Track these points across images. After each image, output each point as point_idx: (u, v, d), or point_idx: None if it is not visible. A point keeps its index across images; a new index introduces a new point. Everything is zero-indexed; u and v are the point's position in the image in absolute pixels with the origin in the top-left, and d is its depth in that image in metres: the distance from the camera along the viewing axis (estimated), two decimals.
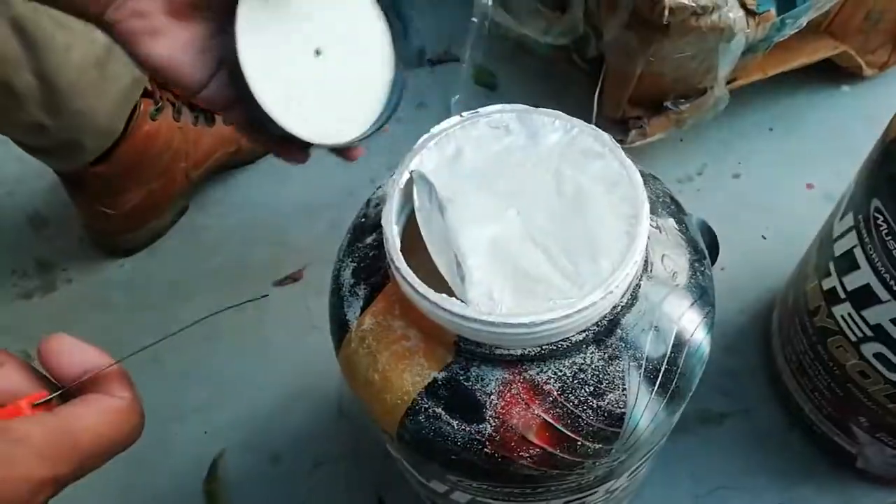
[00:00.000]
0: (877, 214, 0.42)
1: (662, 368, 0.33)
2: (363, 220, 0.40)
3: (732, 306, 0.66)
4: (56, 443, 0.23)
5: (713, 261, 0.40)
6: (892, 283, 0.42)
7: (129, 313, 0.74)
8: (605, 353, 0.32)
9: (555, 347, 0.31)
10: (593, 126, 0.35)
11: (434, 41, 0.91)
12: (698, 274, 0.36)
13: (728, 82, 0.68)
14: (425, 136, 0.35)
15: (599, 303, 0.30)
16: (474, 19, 0.60)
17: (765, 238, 0.71)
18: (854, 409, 0.51)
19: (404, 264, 0.31)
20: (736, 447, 0.60)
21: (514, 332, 0.30)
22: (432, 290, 0.30)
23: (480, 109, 0.36)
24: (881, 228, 0.42)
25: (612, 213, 0.32)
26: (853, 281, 0.46)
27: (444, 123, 0.36)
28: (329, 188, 0.77)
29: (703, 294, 0.35)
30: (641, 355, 0.33)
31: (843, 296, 0.47)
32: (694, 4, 0.57)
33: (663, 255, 0.35)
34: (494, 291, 0.30)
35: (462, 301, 0.30)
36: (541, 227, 0.32)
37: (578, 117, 0.35)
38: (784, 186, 0.74)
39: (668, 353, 0.33)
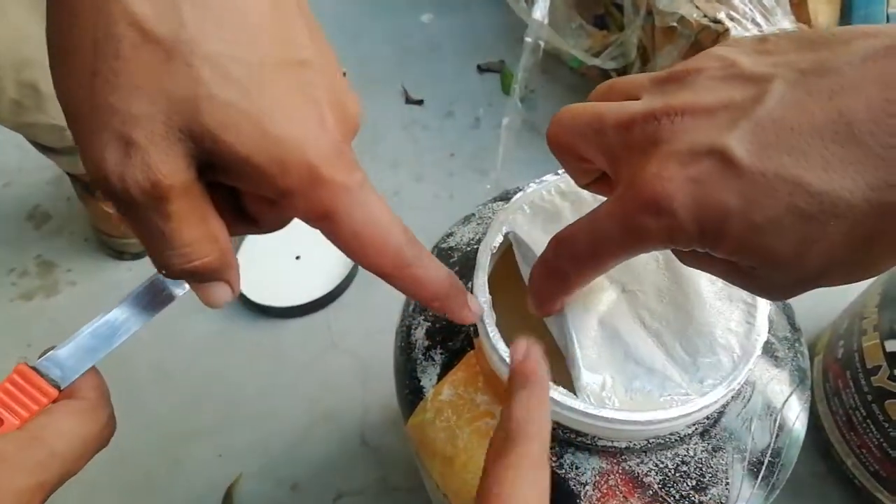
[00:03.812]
0: None
1: (766, 461, 0.31)
2: None
3: None
4: (31, 453, 0.23)
5: None
6: None
7: None
8: (708, 444, 0.30)
9: (661, 441, 0.29)
10: None
11: (465, 49, 0.88)
12: (799, 356, 0.34)
13: None
14: (519, 194, 0.33)
15: (720, 400, 0.27)
16: (528, 39, 0.57)
17: None
18: None
19: (503, 344, 0.29)
20: None
21: (625, 429, 0.27)
22: None
23: None
24: None
25: (725, 296, 0.30)
26: None
27: (538, 183, 0.33)
28: None
29: (803, 378, 0.33)
30: (745, 447, 0.31)
31: None
32: None
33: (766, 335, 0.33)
34: (607, 381, 0.28)
35: (570, 389, 0.28)
36: (649, 308, 0.30)
37: None
38: None
39: (772, 443, 0.31)
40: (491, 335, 0.29)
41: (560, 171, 0.33)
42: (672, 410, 0.27)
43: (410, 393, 0.34)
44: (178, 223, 0.21)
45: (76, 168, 0.63)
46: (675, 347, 0.29)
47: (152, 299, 0.27)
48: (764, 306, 0.29)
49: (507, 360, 0.28)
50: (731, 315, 0.29)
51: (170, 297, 0.27)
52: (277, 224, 0.25)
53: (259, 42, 0.21)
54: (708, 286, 0.30)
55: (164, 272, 0.23)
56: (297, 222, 0.27)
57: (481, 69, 0.85)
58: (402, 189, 0.77)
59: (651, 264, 0.31)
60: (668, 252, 0.31)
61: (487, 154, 0.78)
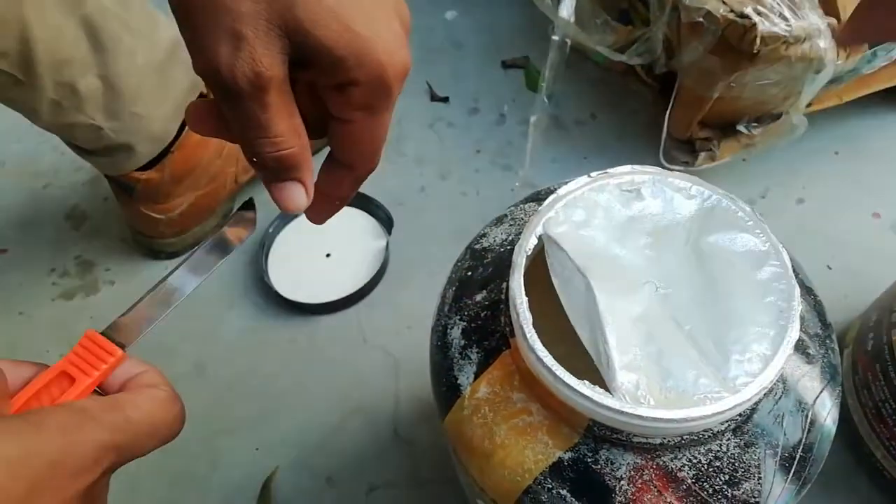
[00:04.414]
0: None
1: (797, 456, 0.32)
2: (469, 273, 0.38)
3: None
4: (111, 415, 0.25)
5: None
6: None
7: (172, 319, 0.72)
8: (741, 440, 0.31)
9: (695, 437, 0.30)
10: (732, 196, 0.33)
11: (489, 46, 0.88)
12: (830, 352, 0.34)
13: None
14: (552, 197, 0.33)
15: (753, 398, 0.28)
16: (555, 37, 0.57)
17: (830, 268, 0.69)
18: None
19: (540, 344, 0.30)
20: None
21: (660, 426, 0.28)
22: (571, 376, 0.29)
23: (610, 170, 0.34)
24: None
25: (759, 295, 0.30)
26: None
27: (572, 184, 0.34)
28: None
29: (834, 374, 0.34)
30: (777, 442, 0.31)
31: None
32: (787, 34, 0.55)
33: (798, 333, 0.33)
34: (641, 381, 0.29)
35: (603, 386, 0.29)
36: (683, 307, 0.30)
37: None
38: (850, 214, 0.72)
39: (803, 439, 0.32)
40: (528, 336, 0.30)
41: (592, 174, 0.34)
42: (705, 408, 0.28)
43: (447, 390, 0.35)
44: (273, 114, 0.25)
45: (112, 170, 0.65)
46: (709, 346, 0.29)
47: (199, 266, 0.32)
48: (796, 306, 0.30)
49: (545, 360, 0.29)
50: (763, 315, 0.30)
51: (214, 263, 0.32)
52: (317, 131, 0.29)
53: None
54: (740, 287, 0.31)
55: (255, 160, 0.26)
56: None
57: (506, 65, 0.85)
58: (428, 186, 0.78)
59: (684, 265, 0.32)
60: (701, 252, 0.32)
61: (513, 150, 0.79)
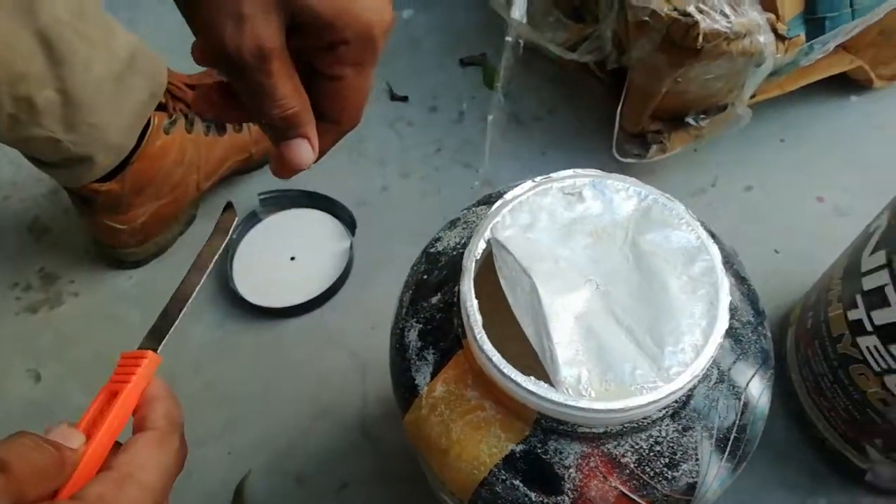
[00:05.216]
0: None
1: (732, 436, 0.34)
2: (425, 276, 0.39)
3: None
4: (126, 492, 0.26)
5: None
6: None
7: (140, 328, 0.72)
8: (679, 424, 0.33)
9: (636, 425, 0.32)
10: (668, 195, 0.35)
11: (446, 44, 0.89)
12: (762, 338, 0.37)
13: None
14: (499, 202, 0.35)
15: (686, 386, 0.30)
16: (508, 38, 0.59)
17: (777, 252, 0.72)
18: (870, 431, 0.54)
19: (489, 345, 0.31)
20: (752, 461, 0.62)
21: (602, 416, 0.30)
22: (519, 372, 0.31)
23: (553, 174, 0.36)
24: None
25: (691, 290, 0.32)
26: (882, 317, 0.48)
27: (517, 189, 0.35)
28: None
29: (766, 359, 0.36)
30: (712, 425, 0.34)
31: (869, 329, 0.49)
32: (727, 30, 0.57)
33: (730, 322, 0.36)
34: (583, 375, 0.30)
35: (549, 381, 0.31)
36: (621, 302, 0.32)
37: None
38: (796, 200, 0.75)
39: (737, 420, 0.34)
40: (478, 337, 0.31)
41: (536, 179, 0.36)
42: (642, 398, 0.30)
43: (406, 391, 0.37)
44: (276, 80, 0.28)
45: (72, 182, 0.65)
46: (646, 339, 0.31)
47: (202, 262, 0.35)
48: (724, 298, 0.32)
49: (493, 359, 0.31)
50: (695, 307, 0.32)
51: (211, 259, 0.36)
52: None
53: None
54: (675, 282, 0.33)
55: (264, 121, 0.30)
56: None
57: (464, 63, 0.87)
58: (390, 185, 0.79)
59: (623, 263, 0.34)
60: (639, 250, 0.34)
61: (472, 148, 0.80)
